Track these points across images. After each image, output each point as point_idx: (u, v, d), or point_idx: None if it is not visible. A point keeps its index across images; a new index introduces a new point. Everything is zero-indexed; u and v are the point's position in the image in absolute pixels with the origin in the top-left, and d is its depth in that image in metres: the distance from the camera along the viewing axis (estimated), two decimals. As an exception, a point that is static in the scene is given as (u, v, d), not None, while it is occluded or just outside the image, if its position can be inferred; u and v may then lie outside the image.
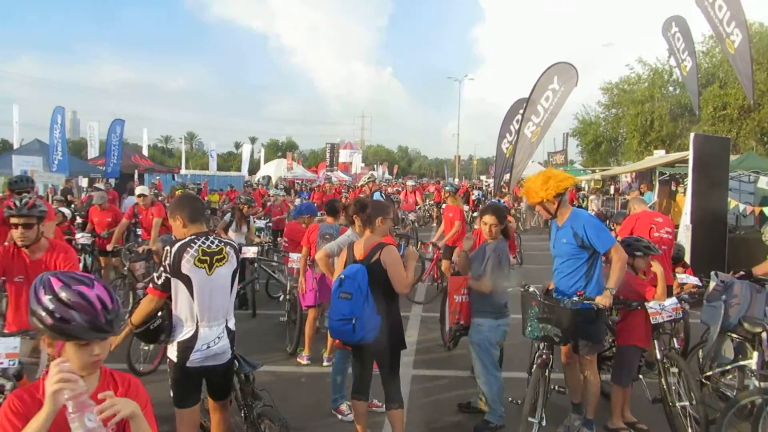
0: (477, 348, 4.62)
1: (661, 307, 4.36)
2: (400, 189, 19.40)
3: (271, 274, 8.48)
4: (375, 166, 64.06)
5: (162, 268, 3.31)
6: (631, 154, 30.09)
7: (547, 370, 4.16)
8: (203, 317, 3.32)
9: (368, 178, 10.11)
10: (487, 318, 4.58)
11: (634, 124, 28.99)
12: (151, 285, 3.34)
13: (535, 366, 4.23)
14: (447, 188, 10.44)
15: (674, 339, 5.00)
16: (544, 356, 4.15)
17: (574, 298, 4.09)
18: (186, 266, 3.27)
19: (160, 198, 14.45)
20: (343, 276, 3.85)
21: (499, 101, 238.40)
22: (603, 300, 3.99)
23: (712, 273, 5.03)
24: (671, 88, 29.36)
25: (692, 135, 9.62)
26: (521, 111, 15.02)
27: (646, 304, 4.39)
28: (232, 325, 3.49)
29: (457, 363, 6.22)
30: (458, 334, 4.86)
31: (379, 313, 3.77)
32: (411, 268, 3.98)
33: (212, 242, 3.39)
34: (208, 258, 3.33)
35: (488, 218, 4.71)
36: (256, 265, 8.28)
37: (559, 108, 14.20)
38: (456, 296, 4.76)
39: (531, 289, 4.28)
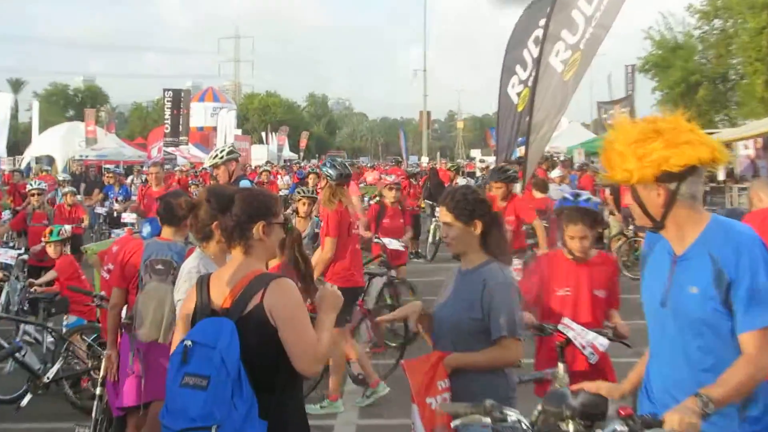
0: None
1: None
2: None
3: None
4: (265, 134, 64.14)
5: None
6: (754, 105, 31.31)
7: None
8: None
9: (225, 154, 9.83)
10: None
11: (755, 49, 30.19)
12: None
13: None
14: (325, 170, 9.98)
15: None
16: None
17: (616, 428, 3.33)
18: None
19: None
20: (189, 342, 3.82)
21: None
22: (680, 421, 3.22)
23: None
24: (822, -19, 30.81)
25: None
26: (541, 23, 15.35)
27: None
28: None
29: None
30: None
31: (262, 414, 3.77)
32: (327, 325, 4.03)
33: None
34: None
35: (441, 213, 4.82)
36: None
37: (612, 16, 14.56)
38: (429, 399, 4.49)
39: (513, 418, 3.76)
